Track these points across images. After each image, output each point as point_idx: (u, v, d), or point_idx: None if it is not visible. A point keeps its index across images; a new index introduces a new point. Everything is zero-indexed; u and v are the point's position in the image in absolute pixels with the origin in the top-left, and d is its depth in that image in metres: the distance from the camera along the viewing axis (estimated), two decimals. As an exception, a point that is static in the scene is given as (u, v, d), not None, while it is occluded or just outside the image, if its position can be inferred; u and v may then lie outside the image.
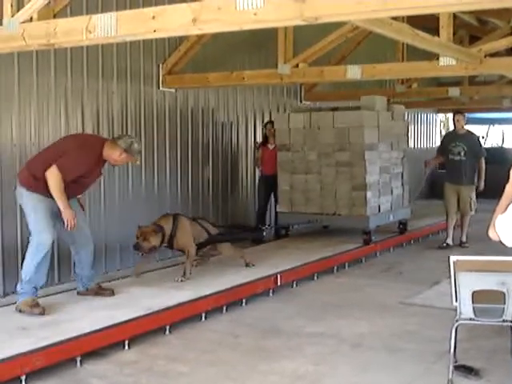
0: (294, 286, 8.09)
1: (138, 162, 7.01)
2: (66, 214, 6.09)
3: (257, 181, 11.56)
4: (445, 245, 10.64)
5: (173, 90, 9.89)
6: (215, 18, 4.63)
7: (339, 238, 10.28)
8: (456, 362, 5.04)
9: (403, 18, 7.55)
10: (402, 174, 11.12)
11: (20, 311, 6.04)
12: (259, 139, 11.56)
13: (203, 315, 6.66)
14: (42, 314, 5.98)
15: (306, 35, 9.21)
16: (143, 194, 9.42)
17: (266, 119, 11.69)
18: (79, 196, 6.60)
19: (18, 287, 6.17)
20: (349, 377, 5.24)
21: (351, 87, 12.41)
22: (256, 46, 10.85)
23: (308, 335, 6.26)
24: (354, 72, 8.49)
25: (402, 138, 11.21)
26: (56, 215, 6.16)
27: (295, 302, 7.47)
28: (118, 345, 5.74)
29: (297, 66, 8.92)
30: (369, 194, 9.88)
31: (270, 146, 10.92)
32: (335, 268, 8.97)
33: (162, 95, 9.76)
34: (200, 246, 7.75)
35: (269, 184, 10.89)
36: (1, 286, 7.41)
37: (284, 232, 10.58)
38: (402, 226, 11.13)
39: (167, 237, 7.37)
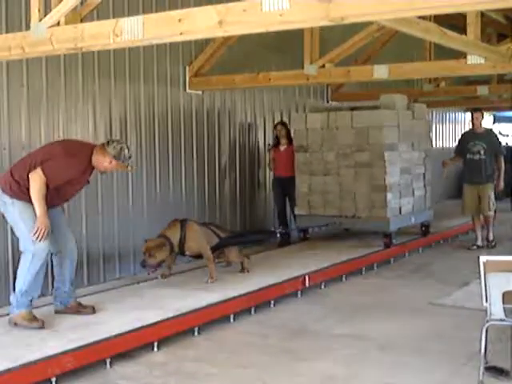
0: (323, 287, 8.07)
1: (130, 169, 6.55)
2: (40, 222, 5.61)
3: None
4: (475, 247, 10.47)
5: (199, 92, 9.92)
6: (241, 20, 4.62)
7: (359, 240, 10.15)
8: (487, 363, 4.99)
9: (430, 16, 7.51)
10: (425, 175, 10.83)
11: (15, 324, 5.73)
12: (262, 143, 11.35)
13: (232, 317, 6.67)
14: (42, 327, 5.70)
15: (332, 35, 9.21)
16: (170, 198, 9.46)
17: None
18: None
19: (12, 300, 5.81)
20: (378, 378, 5.21)
21: (378, 87, 12.35)
22: (282, 46, 10.84)
23: (337, 336, 6.24)
24: (380, 72, 8.44)
25: (424, 137, 10.93)
26: None
27: (323, 303, 7.46)
28: (147, 346, 5.77)
29: (323, 66, 8.90)
30: (389, 195, 9.64)
31: (282, 148, 10.69)
32: (363, 269, 8.94)
33: (189, 97, 9.79)
34: (211, 250, 7.60)
35: (282, 186, 10.68)
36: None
37: (302, 235, 10.41)
38: (425, 228, 10.88)
39: (176, 245, 7.27)
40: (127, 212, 8.70)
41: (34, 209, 5.67)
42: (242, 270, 7.95)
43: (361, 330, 6.42)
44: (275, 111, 11.59)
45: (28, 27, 5.54)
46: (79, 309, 6.20)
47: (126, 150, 6.00)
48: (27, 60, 7.20)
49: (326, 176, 9.99)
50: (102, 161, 5.92)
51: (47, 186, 5.69)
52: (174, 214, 8.41)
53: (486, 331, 4.81)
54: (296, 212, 10.33)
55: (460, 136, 11.51)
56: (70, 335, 5.52)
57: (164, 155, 9.36)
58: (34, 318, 5.75)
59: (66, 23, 5.37)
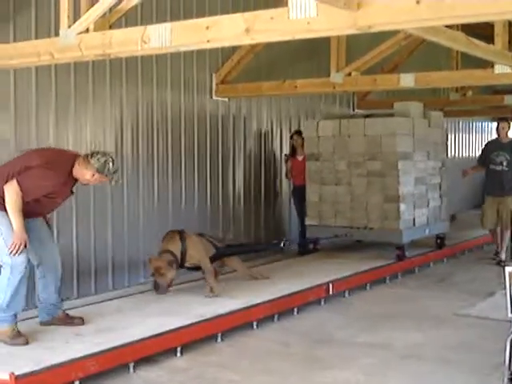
0: (346, 295, 8.05)
1: (114, 183, 5.89)
2: (16, 237, 5.30)
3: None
4: (500, 261, 9.97)
5: (226, 99, 9.96)
6: (268, 28, 4.65)
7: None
8: (511, 374, 4.95)
9: (457, 25, 7.48)
10: (441, 185, 10.50)
11: None
12: (287, 150, 11.07)
13: (255, 323, 6.67)
14: (26, 343, 5.40)
15: (358, 43, 9.20)
16: (197, 203, 9.51)
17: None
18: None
19: None
20: (401, 388, 5.20)
21: (405, 95, 12.31)
22: (308, 54, 10.85)
23: (360, 345, 6.22)
24: (407, 80, 8.43)
25: (440, 146, 10.64)
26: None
27: (347, 312, 7.44)
28: (170, 352, 5.79)
29: (349, 74, 8.90)
30: (402, 206, 9.33)
31: (299, 157, 10.47)
32: (387, 278, 8.90)
33: (215, 104, 9.83)
34: (210, 261, 7.34)
35: (300, 196, 10.42)
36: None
37: (312, 246, 10.15)
38: (440, 241, 10.51)
39: (179, 258, 7.08)
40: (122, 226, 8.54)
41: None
42: (256, 278, 7.91)
43: (384, 338, 6.40)
44: (301, 119, 11.59)
45: (57, 33, 5.61)
46: (67, 320, 5.96)
47: (111, 164, 5.61)
48: (56, 66, 7.28)
49: (338, 185, 9.72)
50: (84, 173, 5.58)
51: (23, 199, 5.38)
52: (199, 223, 8.48)
53: (511, 342, 4.77)
54: (306, 222, 10.07)
55: (484, 145, 11.21)
56: (94, 339, 5.55)
57: (190, 162, 9.40)
58: (18, 334, 5.45)
59: (95, 30, 5.43)
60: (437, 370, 5.52)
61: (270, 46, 9.32)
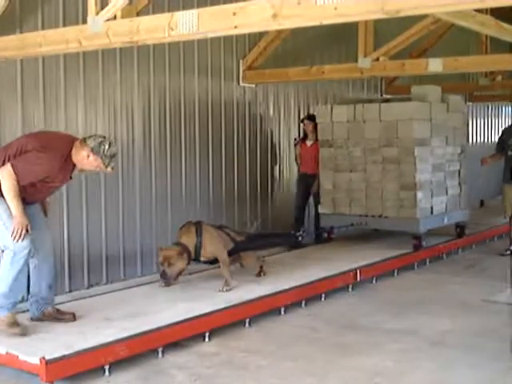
0: (374, 281, 8.03)
1: (109, 169, 5.53)
2: (17, 221, 5.15)
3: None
4: (509, 252, 9.34)
5: (253, 86, 9.96)
6: (295, 14, 4.63)
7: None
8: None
9: (486, 9, 7.39)
10: (460, 172, 10.09)
11: None
12: (297, 135, 10.72)
13: (282, 309, 6.69)
14: (24, 334, 5.27)
15: (386, 28, 9.13)
16: (225, 190, 9.54)
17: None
18: (47, 200, 5.80)
19: None
20: (429, 374, 5.18)
21: (433, 80, 12.21)
22: (335, 39, 10.81)
23: (388, 331, 6.21)
24: (435, 65, 8.36)
25: (460, 132, 10.15)
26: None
27: (375, 298, 7.43)
28: (199, 337, 5.83)
29: (377, 59, 8.85)
30: (419, 194, 8.99)
31: (309, 143, 10.07)
32: (416, 264, 8.87)
33: (242, 91, 9.83)
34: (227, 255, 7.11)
35: (306, 183, 10.09)
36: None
37: (326, 235, 9.86)
38: (460, 229, 10.20)
39: (193, 251, 6.83)
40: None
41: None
42: (259, 273, 7.45)
43: (412, 325, 6.38)
44: (328, 104, 11.53)
45: (85, 21, 5.63)
46: (57, 315, 5.69)
47: (107, 145, 5.37)
48: (84, 53, 7.32)
49: (352, 172, 9.40)
50: (80, 156, 5.37)
51: (19, 183, 5.21)
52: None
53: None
54: (320, 211, 9.78)
55: (501, 131, 10.81)
56: (124, 324, 5.61)
57: (217, 148, 9.43)
58: (15, 323, 5.30)
59: (122, 17, 5.44)
60: (465, 357, 5.50)
61: (296, 32, 9.29)
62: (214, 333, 5.93)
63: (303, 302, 6.97)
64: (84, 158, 5.37)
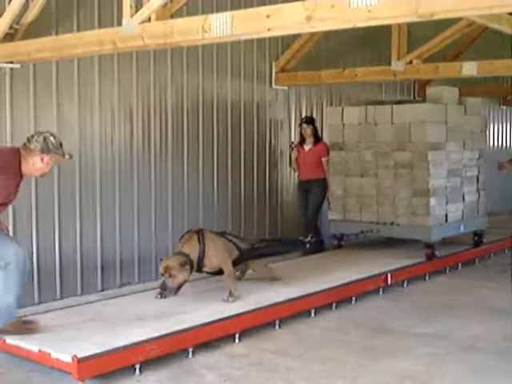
0: (405, 285, 8.00)
1: (68, 157, 5.27)
2: None
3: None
4: None
5: (285, 88, 9.96)
6: (329, 16, 4.63)
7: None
8: None
9: (522, 12, 7.32)
10: (478, 178, 9.60)
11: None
12: (295, 139, 10.06)
13: (313, 311, 6.69)
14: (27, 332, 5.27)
15: (420, 31, 9.09)
16: (257, 193, 9.56)
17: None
18: None
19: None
20: (459, 379, 5.14)
21: (467, 84, 12.12)
22: (368, 42, 10.78)
23: (418, 335, 6.18)
24: (469, 68, 8.30)
25: (478, 135, 9.63)
26: None
27: (406, 302, 7.39)
28: (229, 337, 5.85)
29: (411, 62, 8.81)
30: (433, 200, 8.51)
31: (306, 147, 9.46)
32: (448, 268, 8.81)
33: (275, 93, 9.85)
34: (232, 265, 6.67)
35: (306, 190, 9.52)
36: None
37: (336, 243, 9.41)
38: (478, 238, 9.67)
39: (196, 259, 6.34)
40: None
41: None
42: (271, 279, 7.17)
43: (443, 329, 6.34)
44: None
45: (120, 23, 5.69)
46: (21, 326, 5.37)
47: (52, 138, 5.09)
48: (118, 54, 7.40)
49: (363, 177, 8.98)
50: (33, 163, 5.08)
51: None
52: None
53: None
54: (330, 217, 9.37)
55: None
56: (155, 324, 5.65)
57: (249, 150, 9.46)
58: (24, 323, 5.36)
59: (157, 19, 5.49)
60: (496, 363, 5.45)
61: (329, 34, 9.29)
62: (243, 334, 5.95)
63: (334, 305, 6.96)
64: (37, 163, 5.07)
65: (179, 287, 6.25)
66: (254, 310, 6.18)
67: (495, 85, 13.27)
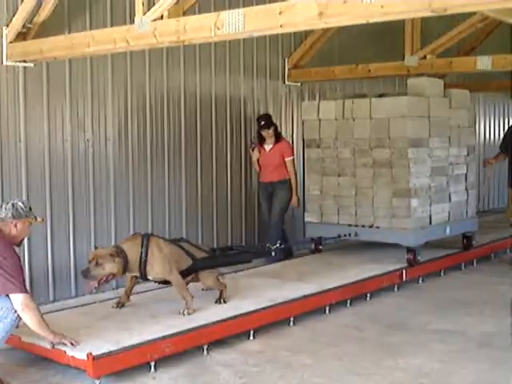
0: (420, 281, 7.97)
1: (40, 219, 5.19)
2: None
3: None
4: None
5: (298, 84, 9.95)
6: (341, 12, 4.61)
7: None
8: None
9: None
10: (466, 176, 8.87)
11: None
12: (254, 138, 9.11)
13: (327, 308, 6.68)
14: None
15: (433, 26, 9.05)
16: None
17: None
18: None
19: None
20: (475, 375, 5.12)
21: (482, 79, 12.06)
22: (381, 37, 10.71)
23: (434, 332, 6.15)
24: (484, 63, 8.25)
25: (466, 130, 8.84)
26: None
27: (421, 298, 7.37)
28: (244, 335, 5.85)
29: (424, 57, 8.77)
30: (414, 201, 7.83)
31: (267, 147, 8.70)
32: (463, 265, 8.77)
33: (288, 89, 9.83)
34: (183, 275, 6.05)
35: (269, 194, 8.82)
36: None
37: (314, 247, 8.75)
38: (467, 241, 8.97)
39: (136, 263, 5.76)
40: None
41: None
42: (219, 299, 6.28)
43: (458, 325, 6.32)
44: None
45: (132, 21, 5.69)
46: None
47: (20, 203, 4.99)
48: (131, 52, 7.40)
49: (341, 177, 8.31)
50: (8, 231, 4.91)
51: None
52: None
53: None
54: (306, 219, 8.71)
55: (506, 130, 10.17)
56: (169, 321, 5.66)
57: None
58: None
59: (169, 17, 5.48)
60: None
61: (342, 30, 9.25)
62: (258, 331, 5.95)
63: (348, 302, 6.94)
64: (14, 229, 4.92)
65: (105, 279, 5.65)
66: (269, 307, 6.17)
67: (510, 80, 13.17)
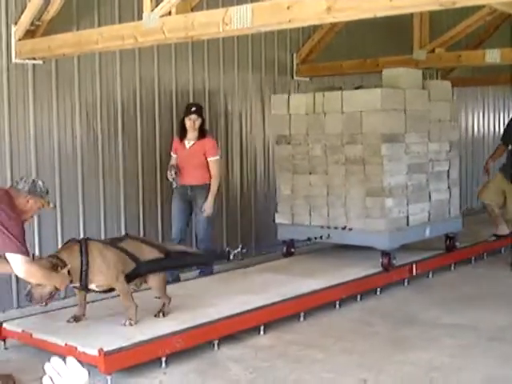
0: (430, 276, 7.95)
1: (52, 205, 5.28)
2: None
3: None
4: (494, 238, 9.12)
5: (307, 79, 9.93)
6: (350, 6, 4.60)
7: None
8: None
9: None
10: (449, 173, 8.30)
11: None
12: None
13: (337, 303, 6.68)
14: None
15: (442, 19, 9.02)
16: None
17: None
18: None
19: None
20: (486, 370, 5.10)
21: (491, 72, 12.00)
22: (390, 31, 10.68)
23: (444, 326, 6.15)
24: (492, 56, 8.21)
25: (448, 125, 8.24)
26: None
27: (431, 293, 7.36)
28: (254, 330, 5.86)
29: (433, 50, 8.75)
30: (389, 201, 7.27)
31: (188, 143, 7.45)
32: (473, 259, 8.75)
33: (296, 84, 9.82)
34: (127, 280, 5.45)
35: (187, 201, 7.52)
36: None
37: (285, 250, 8.16)
38: (450, 242, 8.38)
39: (77, 274, 5.16)
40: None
41: None
42: (158, 313, 5.71)
43: (469, 320, 6.30)
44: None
45: (140, 17, 5.70)
46: None
47: (40, 182, 5.01)
48: (139, 49, 7.41)
49: (312, 175, 7.77)
50: (20, 203, 4.88)
51: None
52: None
53: None
54: (276, 220, 8.13)
55: (507, 122, 9.92)
56: (180, 317, 5.67)
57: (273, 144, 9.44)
58: None
59: (177, 13, 5.48)
60: (524, 352, 5.42)
61: (350, 24, 9.22)
62: (268, 326, 5.95)
63: (358, 296, 6.94)
64: (24, 203, 4.90)
65: (50, 296, 5.05)
66: (279, 302, 6.17)
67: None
